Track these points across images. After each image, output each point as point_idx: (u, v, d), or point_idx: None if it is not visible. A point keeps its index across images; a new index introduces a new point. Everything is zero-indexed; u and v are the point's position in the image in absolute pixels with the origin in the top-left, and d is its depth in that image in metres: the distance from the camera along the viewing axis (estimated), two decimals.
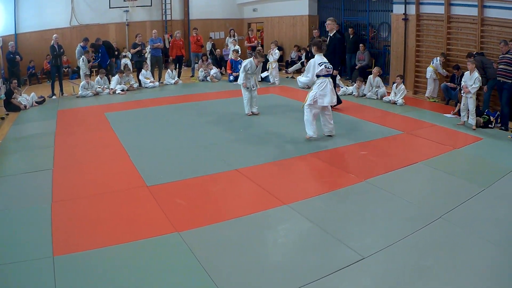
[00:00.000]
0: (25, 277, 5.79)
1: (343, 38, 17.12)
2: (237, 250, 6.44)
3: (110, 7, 27.22)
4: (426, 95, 17.31)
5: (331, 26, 14.81)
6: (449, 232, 6.84)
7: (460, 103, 13.37)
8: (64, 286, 5.55)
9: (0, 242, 6.79)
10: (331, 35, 14.81)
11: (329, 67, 11.32)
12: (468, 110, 12.76)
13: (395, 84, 16.84)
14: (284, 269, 5.93)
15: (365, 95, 17.79)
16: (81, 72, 20.77)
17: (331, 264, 5.93)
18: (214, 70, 23.62)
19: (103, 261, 6.19)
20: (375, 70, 17.78)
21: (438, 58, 16.62)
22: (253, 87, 14.60)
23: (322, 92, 11.09)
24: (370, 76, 17.79)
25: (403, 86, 16.73)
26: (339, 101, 15.38)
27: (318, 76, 11.24)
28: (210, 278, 5.65)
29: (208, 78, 23.27)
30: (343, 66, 17.88)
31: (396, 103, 16.26)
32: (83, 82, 20.14)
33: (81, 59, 20.54)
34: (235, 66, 22.55)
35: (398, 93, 16.60)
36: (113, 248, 6.52)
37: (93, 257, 6.28)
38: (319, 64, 11.24)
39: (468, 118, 12.83)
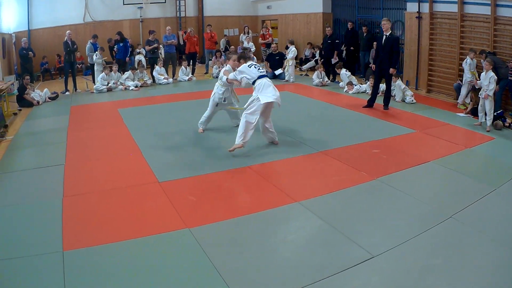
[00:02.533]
0: (34, 272, 5.82)
1: (399, 37, 17.03)
2: (247, 247, 6.44)
3: (123, 4, 27.33)
4: (459, 101, 16.00)
5: (386, 26, 14.76)
6: (459, 232, 6.81)
7: (472, 101, 13.30)
8: (73, 281, 5.57)
9: (11, 237, 6.85)
10: (387, 34, 14.75)
11: (260, 68, 10.91)
12: (486, 111, 12.62)
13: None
14: (294, 266, 5.93)
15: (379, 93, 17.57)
16: (96, 67, 20.78)
17: (341, 262, 5.92)
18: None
19: (113, 257, 6.21)
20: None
21: (469, 58, 15.65)
22: (224, 101, 12.16)
23: (264, 91, 10.57)
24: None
25: (399, 83, 16.78)
26: (370, 104, 15.48)
27: (254, 82, 10.70)
28: (219, 274, 5.65)
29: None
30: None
31: (404, 100, 16.34)
32: (102, 74, 20.26)
33: (94, 54, 20.54)
34: None
35: (396, 90, 16.72)
36: (123, 244, 6.54)
37: (103, 253, 6.30)
38: (248, 66, 10.86)
39: (485, 119, 12.66)
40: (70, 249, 6.34)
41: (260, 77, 10.53)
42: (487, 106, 12.34)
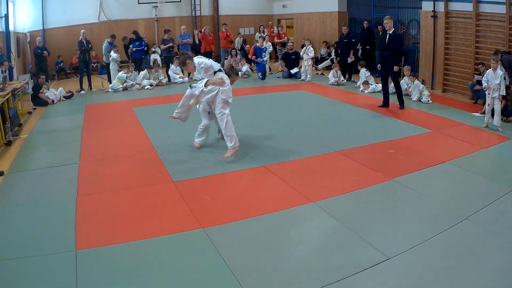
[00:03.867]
0: (47, 271, 5.81)
1: (401, 35, 16.93)
2: (262, 247, 6.39)
3: (138, 3, 27.44)
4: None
5: (389, 25, 14.73)
6: (475, 234, 6.70)
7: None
8: (85, 280, 5.55)
9: (25, 235, 6.84)
10: (390, 33, 14.71)
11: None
12: (493, 111, 12.47)
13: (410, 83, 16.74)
14: (308, 268, 5.87)
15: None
16: (112, 66, 20.87)
17: (356, 263, 5.85)
18: (245, 67, 23.56)
19: (126, 256, 6.19)
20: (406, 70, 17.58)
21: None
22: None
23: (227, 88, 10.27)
24: (405, 78, 17.47)
25: (417, 83, 16.67)
26: (386, 104, 15.41)
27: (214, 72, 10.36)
28: (233, 275, 5.61)
29: (240, 74, 23.10)
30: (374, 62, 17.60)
31: (420, 100, 16.15)
32: (120, 74, 20.35)
33: (111, 53, 20.58)
34: (258, 53, 22.66)
35: (413, 90, 16.52)
36: (136, 243, 6.52)
37: (116, 252, 6.29)
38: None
39: (492, 119, 12.51)
40: (83, 249, 6.32)
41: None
42: (496, 106, 12.19)
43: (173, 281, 5.58)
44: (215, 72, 10.27)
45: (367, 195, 8.15)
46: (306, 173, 9.34)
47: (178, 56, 22.72)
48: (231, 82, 10.58)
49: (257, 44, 22.91)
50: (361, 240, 6.47)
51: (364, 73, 19.16)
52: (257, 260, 6.03)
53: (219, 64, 10.76)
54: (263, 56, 22.47)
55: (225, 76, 10.26)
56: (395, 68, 14.82)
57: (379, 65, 15.54)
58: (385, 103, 15.30)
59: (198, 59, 10.40)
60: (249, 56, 23.18)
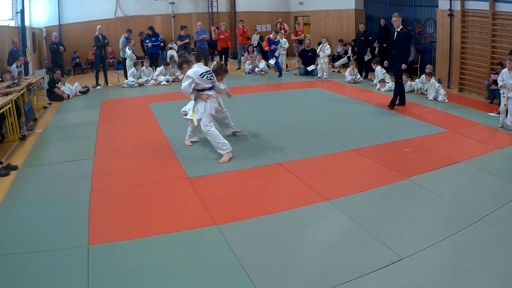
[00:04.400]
0: (59, 266, 5.82)
1: (409, 32, 16.79)
2: (275, 245, 6.36)
3: None
4: None
5: (397, 22, 14.59)
6: (488, 235, 6.63)
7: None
8: (97, 275, 5.56)
9: (38, 230, 6.88)
10: (398, 30, 14.60)
11: (211, 77, 10.45)
12: (507, 111, 12.36)
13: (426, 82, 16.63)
14: (321, 266, 5.83)
15: (413, 90, 17.49)
16: (128, 62, 20.97)
17: (369, 263, 5.81)
18: (262, 64, 23.58)
19: (139, 252, 6.19)
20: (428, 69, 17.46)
21: None
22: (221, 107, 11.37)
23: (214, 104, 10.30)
24: (423, 76, 17.38)
25: (433, 81, 16.49)
26: (402, 102, 15.28)
27: (203, 90, 10.31)
28: (245, 272, 5.59)
29: (256, 70, 23.34)
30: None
31: (437, 99, 16.02)
32: (132, 70, 20.46)
33: (126, 48, 20.64)
34: (271, 45, 22.72)
35: (430, 89, 16.39)
36: (149, 239, 6.52)
37: (129, 248, 6.30)
38: (200, 75, 10.17)
39: (507, 119, 12.41)
40: (96, 244, 6.34)
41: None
42: (510, 105, 12.07)
43: (185, 277, 5.57)
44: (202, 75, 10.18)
45: (382, 194, 8.11)
46: (321, 171, 9.29)
47: (195, 53, 22.86)
48: (219, 80, 10.87)
49: (271, 36, 22.84)
50: (375, 239, 6.43)
51: (379, 71, 19.00)
52: (270, 258, 6.00)
53: (202, 67, 10.75)
54: (276, 47, 22.49)
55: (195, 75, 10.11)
56: (403, 66, 14.69)
57: (386, 62, 15.71)
58: (401, 102, 15.15)
59: (193, 70, 10.26)
60: (265, 48, 23.10)
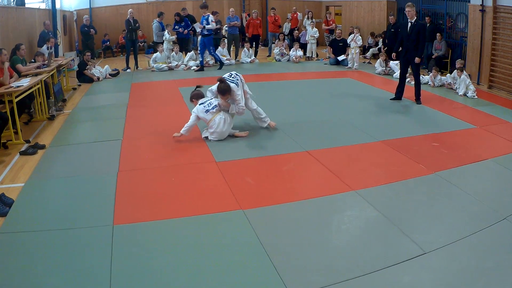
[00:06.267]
0: (83, 243, 5.89)
1: (425, 25, 16.52)
2: (300, 233, 6.35)
3: None
4: None
5: (411, 13, 14.09)
6: None
7: None
8: (120, 255, 5.60)
9: (64, 208, 6.95)
10: (412, 21, 14.09)
11: (214, 107, 10.35)
12: None
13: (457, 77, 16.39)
14: (345, 256, 5.81)
15: (443, 85, 17.30)
16: (165, 46, 21.15)
17: (392, 256, 5.78)
18: (299, 52, 23.65)
19: (163, 233, 6.24)
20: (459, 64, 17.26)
21: None
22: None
23: (218, 129, 10.17)
24: (455, 71, 17.14)
25: (464, 77, 16.18)
26: (398, 97, 15.00)
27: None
28: (268, 258, 5.58)
29: (294, 57, 23.35)
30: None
31: (466, 95, 15.78)
32: (156, 54, 20.79)
33: (164, 34, 20.77)
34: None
35: (460, 84, 16.13)
36: (174, 221, 6.56)
37: (153, 229, 6.35)
38: (205, 112, 10.25)
39: None
40: (121, 223, 6.40)
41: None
42: None
43: (207, 260, 5.58)
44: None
45: (408, 187, 8.05)
46: (349, 161, 9.25)
47: (226, 37, 22.84)
48: (224, 99, 10.41)
49: (306, 34, 22.91)
50: (399, 232, 6.40)
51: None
52: (294, 245, 6.00)
53: (206, 99, 10.67)
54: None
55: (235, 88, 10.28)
56: (416, 60, 14.15)
57: (393, 54, 15.20)
58: (398, 95, 14.93)
59: (198, 107, 10.45)
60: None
